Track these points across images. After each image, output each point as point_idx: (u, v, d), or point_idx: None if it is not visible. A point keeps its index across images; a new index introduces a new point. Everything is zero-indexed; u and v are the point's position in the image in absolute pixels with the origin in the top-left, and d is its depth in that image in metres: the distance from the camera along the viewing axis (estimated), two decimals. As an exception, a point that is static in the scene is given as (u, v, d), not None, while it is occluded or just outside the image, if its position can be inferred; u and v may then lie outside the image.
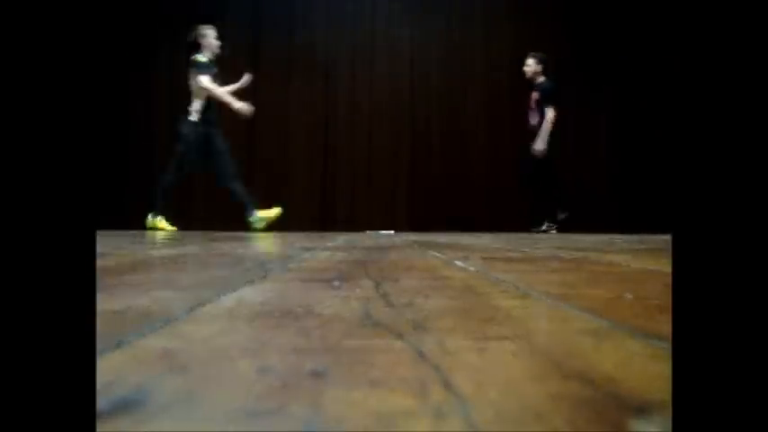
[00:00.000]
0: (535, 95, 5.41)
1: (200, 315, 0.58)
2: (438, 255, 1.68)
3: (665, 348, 0.44)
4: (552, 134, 5.29)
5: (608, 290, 0.82)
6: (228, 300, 0.69)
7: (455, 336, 0.48)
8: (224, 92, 4.84)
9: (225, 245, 2.26)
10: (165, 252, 1.72)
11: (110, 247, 1.97)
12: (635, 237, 4.15)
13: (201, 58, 4.86)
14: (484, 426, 0.28)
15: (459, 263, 1.34)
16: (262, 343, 0.46)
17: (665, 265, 1.29)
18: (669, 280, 0.96)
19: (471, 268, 1.19)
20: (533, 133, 5.35)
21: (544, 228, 5.43)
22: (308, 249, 1.95)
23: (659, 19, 6.41)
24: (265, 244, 2.42)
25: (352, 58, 6.59)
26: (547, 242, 2.85)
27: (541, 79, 5.39)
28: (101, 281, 0.89)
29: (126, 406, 0.30)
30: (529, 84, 5.44)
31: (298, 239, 3.13)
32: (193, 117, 4.82)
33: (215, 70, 4.90)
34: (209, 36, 4.96)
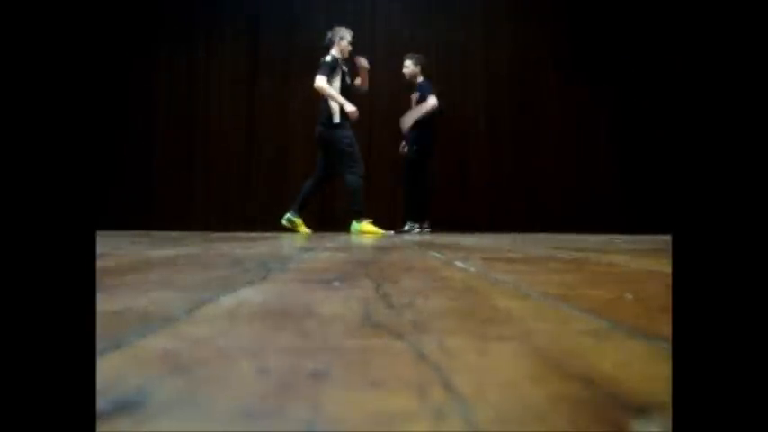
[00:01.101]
0: (415, 96, 5.40)
1: (200, 315, 0.58)
2: (438, 255, 1.68)
3: (665, 348, 0.44)
4: (427, 138, 5.35)
5: (608, 290, 0.82)
6: (228, 300, 0.69)
7: (455, 336, 0.48)
8: (336, 93, 4.65)
9: (224, 245, 2.26)
10: (165, 253, 1.72)
11: (109, 248, 1.97)
12: (635, 237, 4.15)
13: (327, 58, 4.70)
14: (484, 426, 0.28)
15: (459, 263, 1.34)
16: (262, 343, 0.46)
17: (665, 266, 1.29)
18: (669, 280, 0.96)
19: (471, 269, 1.19)
20: (414, 133, 5.39)
21: (406, 228, 5.38)
22: (308, 250, 1.95)
23: (660, 19, 6.41)
24: (265, 244, 2.42)
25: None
26: (546, 243, 2.85)
27: (420, 79, 5.38)
28: (100, 281, 0.89)
29: (126, 406, 0.30)
30: (408, 85, 5.44)
31: (298, 240, 3.13)
32: (336, 120, 4.70)
33: (338, 70, 4.72)
34: (347, 39, 4.82)
